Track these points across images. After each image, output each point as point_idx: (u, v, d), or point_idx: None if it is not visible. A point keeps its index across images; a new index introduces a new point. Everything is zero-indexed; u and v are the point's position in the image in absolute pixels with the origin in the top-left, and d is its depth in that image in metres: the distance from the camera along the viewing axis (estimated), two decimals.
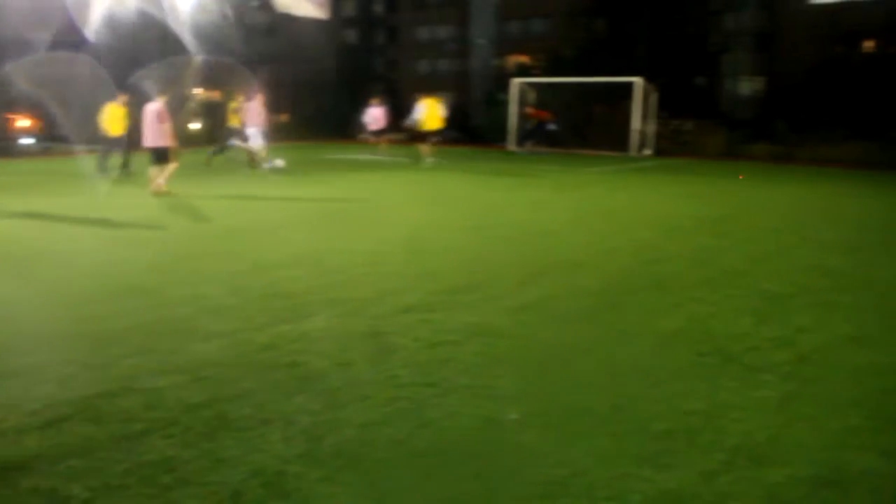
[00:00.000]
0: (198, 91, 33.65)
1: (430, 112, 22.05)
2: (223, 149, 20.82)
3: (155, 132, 13.85)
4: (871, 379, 4.83)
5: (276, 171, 19.05)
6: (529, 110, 29.25)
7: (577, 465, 3.62)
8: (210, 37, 32.14)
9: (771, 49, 42.85)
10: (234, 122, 20.18)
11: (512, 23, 53.82)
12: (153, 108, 13.88)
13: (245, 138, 19.62)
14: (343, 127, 34.37)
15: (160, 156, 13.97)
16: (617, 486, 3.42)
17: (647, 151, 27.94)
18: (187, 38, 29.58)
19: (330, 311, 6.14)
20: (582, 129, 30.51)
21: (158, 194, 13.72)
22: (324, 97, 37.05)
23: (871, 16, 37.14)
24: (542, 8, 50.33)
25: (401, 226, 10.85)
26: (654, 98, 28.35)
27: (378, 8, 62.18)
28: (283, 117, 20.68)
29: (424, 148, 21.86)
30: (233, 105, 20.60)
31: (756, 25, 44.07)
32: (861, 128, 26.31)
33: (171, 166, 14.04)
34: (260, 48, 33.89)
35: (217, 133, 23.02)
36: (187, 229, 10.60)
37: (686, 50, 40.91)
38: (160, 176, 13.98)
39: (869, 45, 40.10)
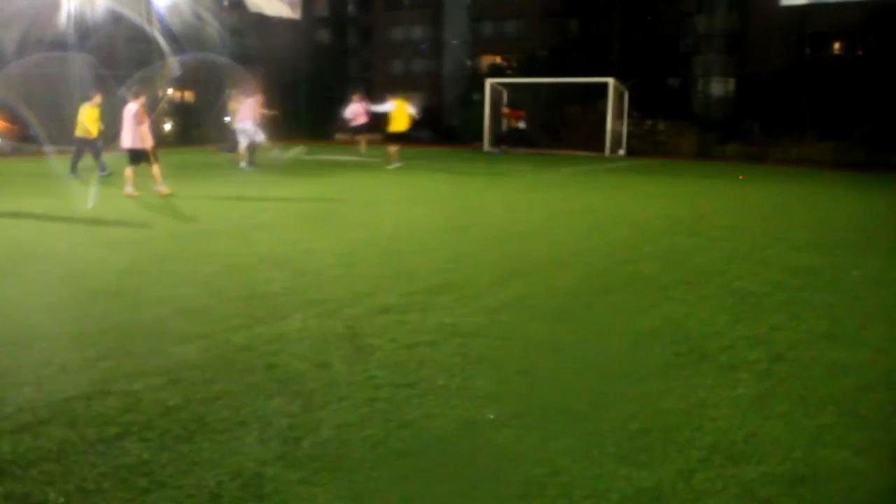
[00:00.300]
0: (170, 91, 33.37)
1: (398, 112, 21.73)
2: (234, 147, 21.00)
3: (132, 133, 13.75)
4: (844, 376, 4.89)
5: (257, 170, 19.25)
6: (505, 111, 29.21)
7: (555, 464, 3.63)
8: (182, 36, 31.89)
9: (742, 50, 43.22)
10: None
11: (485, 23, 53.87)
12: (130, 109, 13.77)
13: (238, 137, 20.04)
14: (317, 128, 34.23)
15: (137, 157, 13.86)
16: (595, 485, 3.43)
17: (621, 151, 28.09)
18: (159, 38, 29.32)
19: (307, 312, 6.12)
20: (556, 129, 30.62)
21: (161, 194, 13.75)
22: (297, 98, 36.86)
23: (840, 18, 37.57)
24: (515, 9, 50.43)
25: (376, 226, 10.84)
26: (627, 98, 28.50)
27: (351, 8, 61.98)
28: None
29: (392, 150, 21.63)
30: (234, 106, 20.76)
31: (727, 27, 44.42)
32: (831, 128, 26.63)
33: (156, 168, 13.94)
34: (232, 48, 33.61)
35: (225, 133, 23.23)
36: (164, 230, 10.50)
37: (658, 51, 41.20)
38: (156, 180, 14.00)
39: (837, 46, 40.59)
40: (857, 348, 5.49)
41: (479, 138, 30.24)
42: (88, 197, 13.04)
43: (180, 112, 33.06)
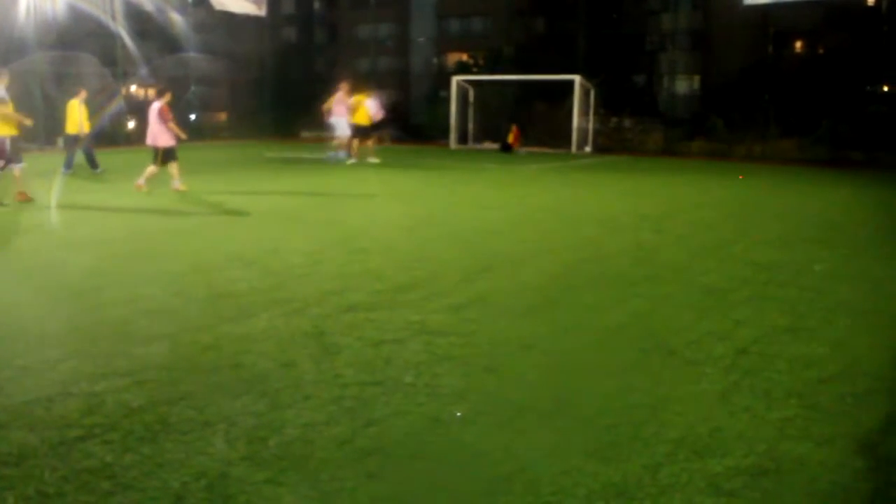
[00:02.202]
0: (133, 88, 32.97)
1: (356, 109, 21.45)
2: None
3: (159, 131, 13.81)
4: (806, 370, 4.95)
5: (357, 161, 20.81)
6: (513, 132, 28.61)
7: (522, 461, 3.64)
8: (145, 32, 31.55)
9: (706, 49, 43.63)
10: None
11: (451, 21, 53.93)
12: (155, 107, 13.89)
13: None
14: (283, 125, 33.99)
15: (169, 155, 13.95)
16: (562, 481, 3.44)
17: (588, 149, 28.20)
18: (123, 35, 28.96)
19: (273, 311, 6.08)
20: (522, 126, 30.67)
21: (137, 189, 13.76)
22: (263, 95, 36.62)
23: (801, 18, 38.06)
24: (481, 6, 50.50)
25: (343, 224, 10.79)
26: (593, 95, 28.62)
27: (317, 6, 61.68)
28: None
29: (353, 144, 21.44)
30: (330, 104, 21.41)
31: (691, 25, 44.83)
32: (793, 125, 26.95)
33: (150, 168, 13.88)
34: (198, 45, 33.32)
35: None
36: (130, 229, 10.35)
37: (624, 48, 41.47)
38: (175, 176, 14.14)
39: (799, 45, 41.13)
40: (819, 342, 5.56)
41: (446, 136, 30.20)
42: (51, 195, 12.85)
43: (143, 110, 32.69)
